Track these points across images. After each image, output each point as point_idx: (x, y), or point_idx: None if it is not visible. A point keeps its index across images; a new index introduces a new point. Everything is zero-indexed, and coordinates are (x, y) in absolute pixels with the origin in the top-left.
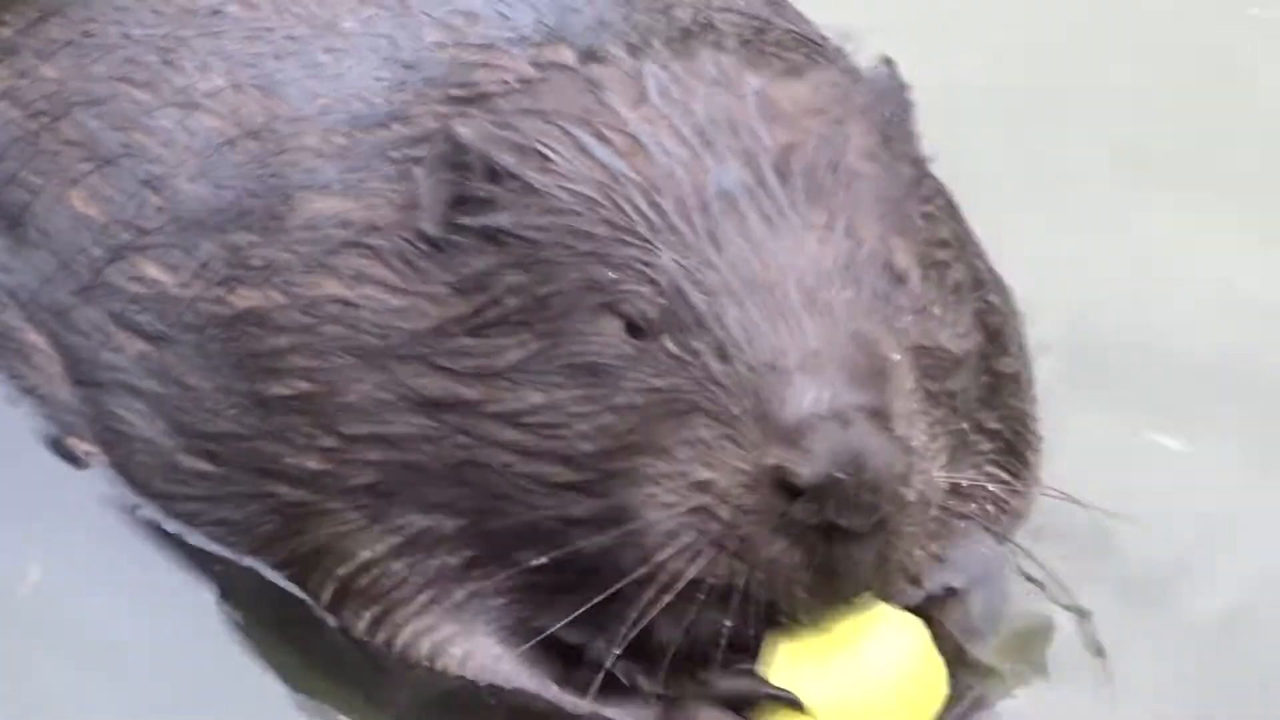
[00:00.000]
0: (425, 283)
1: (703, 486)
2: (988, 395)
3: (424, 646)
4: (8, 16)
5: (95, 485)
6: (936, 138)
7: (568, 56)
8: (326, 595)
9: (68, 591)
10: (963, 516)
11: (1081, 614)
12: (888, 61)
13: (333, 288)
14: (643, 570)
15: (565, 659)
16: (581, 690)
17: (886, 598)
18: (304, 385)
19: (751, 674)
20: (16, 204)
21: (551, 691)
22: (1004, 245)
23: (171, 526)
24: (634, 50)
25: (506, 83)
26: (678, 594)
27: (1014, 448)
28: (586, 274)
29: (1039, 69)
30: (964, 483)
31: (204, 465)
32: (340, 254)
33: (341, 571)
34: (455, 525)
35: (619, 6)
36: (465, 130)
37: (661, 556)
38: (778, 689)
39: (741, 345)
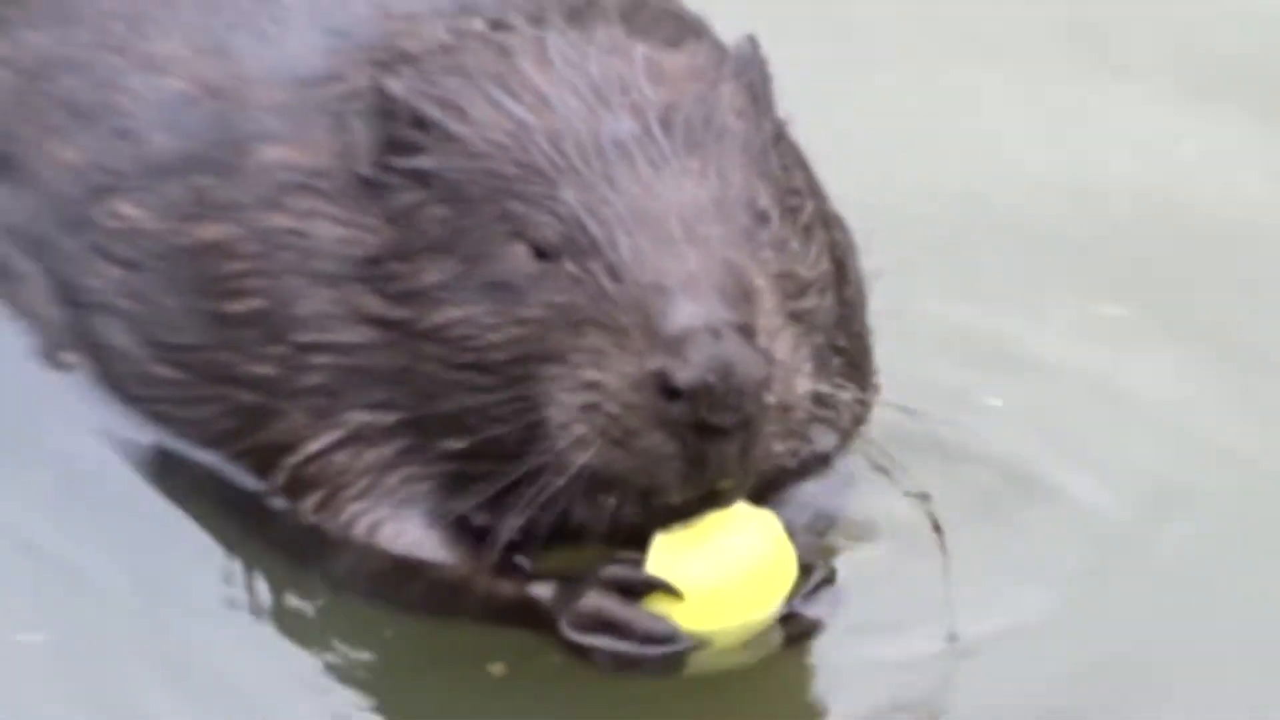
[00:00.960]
0: (362, 215)
1: (594, 386)
2: (836, 319)
3: (361, 526)
4: None
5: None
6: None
7: (479, 26)
8: (278, 482)
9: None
10: (819, 419)
11: (922, 497)
12: (750, 38)
13: (284, 220)
14: (543, 459)
15: (480, 541)
16: (488, 566)
17: (746, 486)
18: (258, 302)
19: (632, 562)
20: (8, 153)
21: (464, 567)
22: None
23: (143, 426)
24: (534, 21)
25: (427, 47)
26: (570, 479)
27: (857, 361)
28: (499, 207)
29: None
30: (823, 390)
31: (172, 373)
32: (290, 193)
33: (291, 461)
34: (391, 420)
35: None
36: (395, 85)
37: (559, 445)
38: (653, 576)
39: (631, 267)
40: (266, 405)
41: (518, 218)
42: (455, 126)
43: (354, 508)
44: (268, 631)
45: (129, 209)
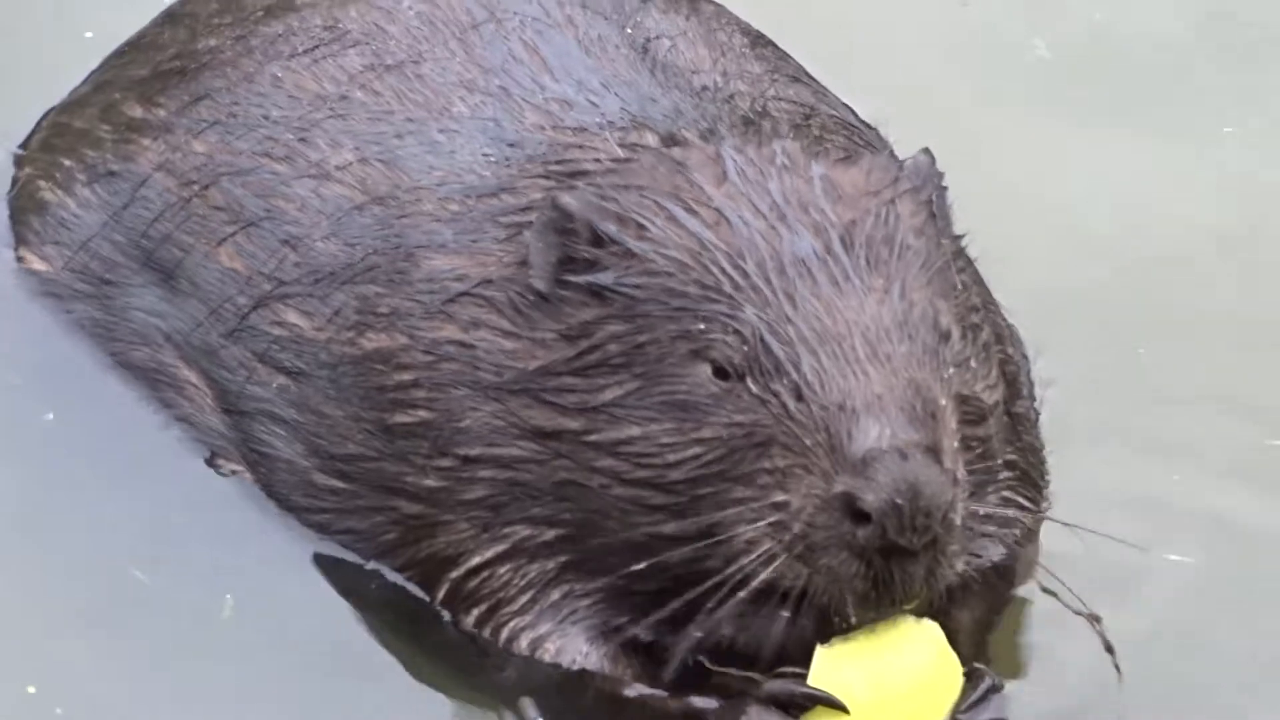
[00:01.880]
0: (534, 329)
1: (779, 507)
2: (1007, 433)
3: (524, 641)
4: (162, 99)
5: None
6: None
7: (651, 140)
8: (440, 595)
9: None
10: (987, 535)
11: (1094, 618)
12: (926, 151)
13: (451, 331)
14: (724, 574)
15: (646, 657)
16: (655, 682)
17: (930, 608)
18: (425, 414)
19: (795, 676)
20: (170, 260)
21: (629, 683)
22: None
23: (307, 536)
24: (706, 135)
25: (600, 161)
26: (751, 594)
27: (1028, 476)
28: (680, 326)
29: None
30: (989, 510)
31: (336, 482)
32: (458, 303)
33: (454, 575)
34: (556, 536)
35: (690, 97)
36: (571, 200)
37: (742, 562)
38: (817, 690)
39: (815, 388)
40: (431, 517)
41: (698, 336)
42: (634, 243)
43: (515, 623)
44: None
45: (293, 317)
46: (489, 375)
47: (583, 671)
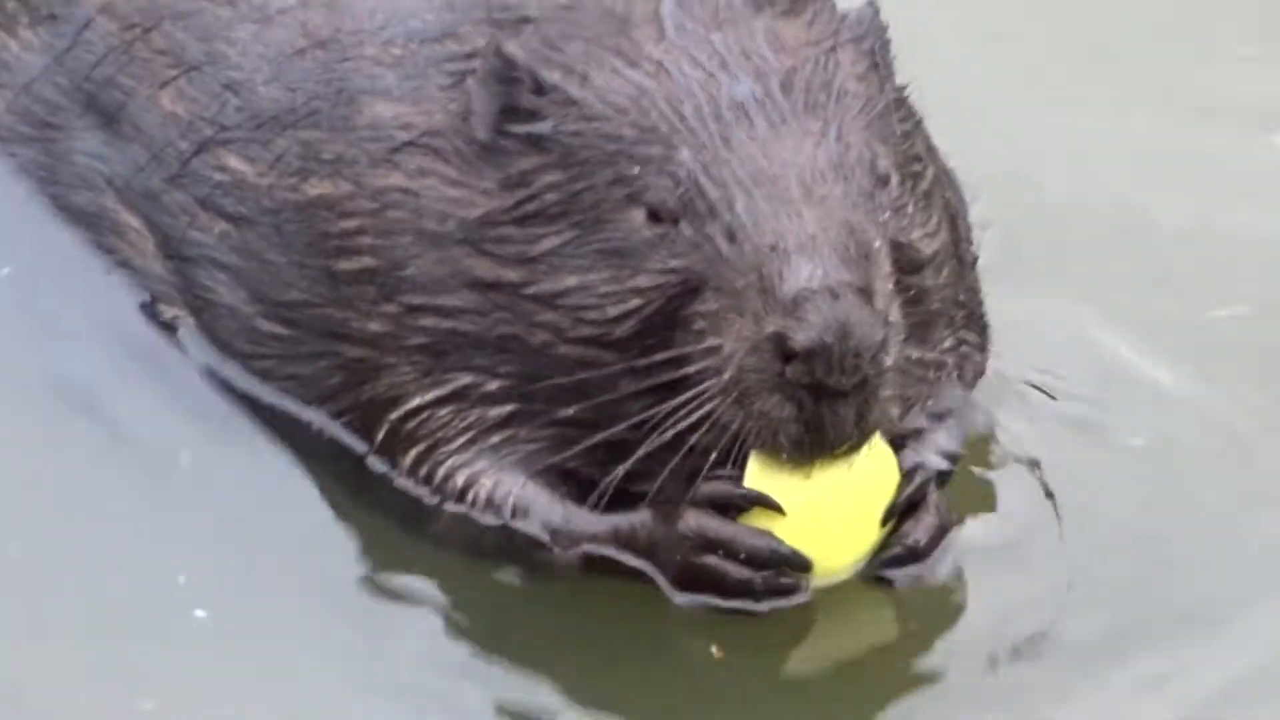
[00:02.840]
0: (477, 178)
1: (712, 351)
2: (953, 277)
3: (459, 479)
4: None
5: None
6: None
7: None
8: (379, 437)
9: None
10: (933, 379)
11: (1033, 463)
12: (870, 3)
13: (398, 179)
14: (664, 425)
15: (581, 500)
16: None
17: (860, 451)
18: (370, 260)
19: (730, 479)
20: (113, 104)
21: (565, 509)
22: None
23: (248, 383)
24: None
25: (545, 9)
26: (680, 435)
27: (974, 316)
28: (615, 170)
29: None
30: (928, 356)
31: (279, 329)
32: (404, 152)
33: (393, 415)
34: (499, 387)
35: None
36: (515, 49)
37: (672, 404)
38: (753, 491)
39: (748, 229)
40: (374, 360)
41: (634, 181)
42: (575, 92)
43: (452, 461)
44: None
45: (235, 162)
46: (432, 224)
47: (519, 505)
